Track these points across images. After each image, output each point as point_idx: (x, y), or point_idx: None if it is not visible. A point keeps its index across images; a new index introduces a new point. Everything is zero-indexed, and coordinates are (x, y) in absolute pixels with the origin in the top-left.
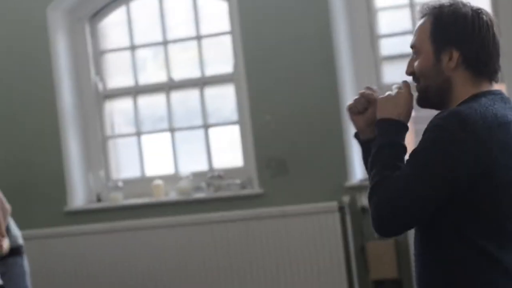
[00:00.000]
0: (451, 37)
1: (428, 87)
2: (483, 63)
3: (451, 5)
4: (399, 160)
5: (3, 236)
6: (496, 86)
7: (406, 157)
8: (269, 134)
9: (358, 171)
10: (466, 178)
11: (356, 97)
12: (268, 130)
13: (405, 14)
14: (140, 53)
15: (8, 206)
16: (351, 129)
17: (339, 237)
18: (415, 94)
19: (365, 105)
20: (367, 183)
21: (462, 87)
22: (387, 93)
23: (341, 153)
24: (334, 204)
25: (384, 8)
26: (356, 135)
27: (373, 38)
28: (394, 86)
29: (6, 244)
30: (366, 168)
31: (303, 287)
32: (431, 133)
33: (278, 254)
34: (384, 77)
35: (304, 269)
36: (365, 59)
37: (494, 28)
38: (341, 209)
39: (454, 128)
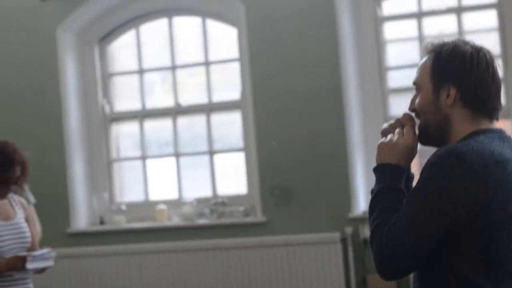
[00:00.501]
0: (449, 75)
1: (428, 123)
2: (481, 101)
3: (452, 43)
4: (398, 203)
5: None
6: (501, 123)
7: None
8: (274, 162)
9: (361, 203)
10: (464, 215)
11: (392, 121)
12: (273, 158)
13: (414, 46)
14: (148, 77)
15: (39, 229)
16: (357, 160)
17: (341, 268)
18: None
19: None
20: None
21: (461, 124)
22: (389, 136)
23: (346, 184)
24: (336, 235)
25: (393, 41)
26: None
27: (381, 70)
28: (396, 131)
29: None
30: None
31: None
32: (428, 171)
33: (280, 283)
34: (391, 109)
35: None
36: (372, 91)
37: (494, 66)
38: (343, 240)
39: (452, 165)
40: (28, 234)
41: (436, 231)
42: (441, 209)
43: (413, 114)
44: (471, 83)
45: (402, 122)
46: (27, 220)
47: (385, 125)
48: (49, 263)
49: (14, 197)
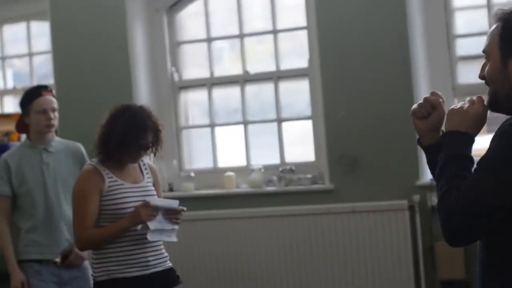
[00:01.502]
0: None
1: (497, 92)
2: None
3: None
4: (466, 170)
5: None
6: None
7: (475, 166)
8: (341, 131)
9: (429, 171)
10: None
11: (420, 101)
12: (341, 126)
13: (482, 14)
14: (216, 45)
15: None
16: None
17: (408, 236)
18: (487, 100)
19: (429, 110)
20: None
21: None
22: (459, 104)
23: (413, 153)
24: (404, 202)
25: (461, 8)
26: (419, 141)
27: (450, 37)
28: (467, 99)
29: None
30: (432, 173)
31: (370, 284)
32: (499, 140)
33: (347, 250)
34: (459, 78)
35: (372, 266)
36: (441, 59)
37: None
38: (411, 207)
39: None
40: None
41: (504, 200)
42: (509, 178)
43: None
44: None
45: (431, 101)
46: (155, 184)
47: (415, 106)
48: (172, 239)
49: (144, 162)
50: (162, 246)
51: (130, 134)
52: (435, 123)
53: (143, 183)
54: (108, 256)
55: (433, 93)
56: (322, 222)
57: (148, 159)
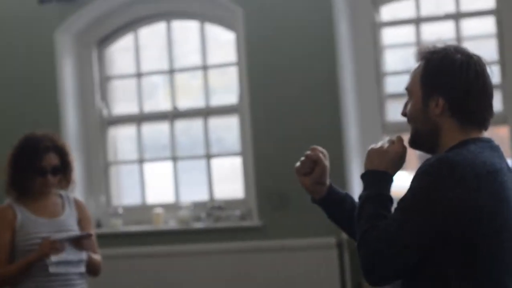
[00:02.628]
0: (438, 84)
1: (418, 130)
2: (470, 111)
3: (443, 50)
4: (386, 210)
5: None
6: (498, 129)
7: (394, 205)
8: (271, 167)
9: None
10: (453, 225)
11: (302, 158)
12: (270, 162)
13: (412, 52)
14: (146, 80)
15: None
16: (353, 165)
17: (337, 273)
18: (408, 138)
19: (311, 165)
20: None
21: (450, 133)
22: (379, 143)
23: (341, 189)
24: (332, 239)
25: (390, 46)
26: (313, 200)
27: (379, 75)
28: (387, 138)
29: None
30: (336, 223)
31: None
32: (419, 180)
33: (276, 287)
34: (388, 114)
35: None
36: (370, 97)
37: (486, 75)
38: (339, 245)
39: (442, 174)
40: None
41: (424, 240)
42: (430, 219)
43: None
44: (460, 93)
45: (311, 158)
46: (81, 220)
47: (298, 164)
48: (80, 269)
49: (69, 196)
50: (79, 286)
51: (23, 158)
52: (319, 177)
53: (62, 217)
54: None
55: (312, 149)
56: (251, 259)
57: (72, 194)
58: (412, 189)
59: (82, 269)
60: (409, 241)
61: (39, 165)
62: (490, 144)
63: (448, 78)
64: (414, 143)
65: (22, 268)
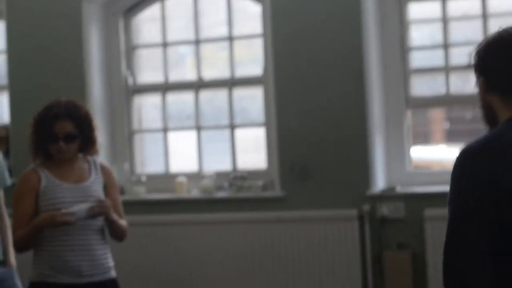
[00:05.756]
0: (477, 64)
1: (481, 111)
2: (505, 86)
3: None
4: None
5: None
6: None
7: None
8: (294, 138)
9: (379, 181)
10: (491, 207)
11: None
12: (293, 134)
13: (437, 27)
14: (172, 50)
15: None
16: (376, 139)
17: (357, 245)
18: None
19: None
20: (388, 193)
21: (499, 111)
22: None
23: (364, 162)
24: (354, 212)
25: (416, 21)
26: None
27: (404, 50)
28: None
29: None
30: None
31: None
32: (452, 176)
33: (295, 258)
34: (412, 89)
35: (320, 275)
36: (394, 71)
37: None
38: (360, 217)
39: (463, 163)
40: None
41: (478, 233)
42: (471, 209)
43: None
44: (495, 68)
45: None
46: (107, 185)
47: None
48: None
49: (96, 162)
50: (104, 256)
51: (38, 124)
52: None
53: (87, 183)
54: (43, 258)
55: None
56: (272, 230)
57: (100, 159)
58: (449, 188)
59: (102, 235)
60: (466, 242)
61: (51, 132)
62: None
63: (484, 55)
64: (485, 124)
65: (32, 228)
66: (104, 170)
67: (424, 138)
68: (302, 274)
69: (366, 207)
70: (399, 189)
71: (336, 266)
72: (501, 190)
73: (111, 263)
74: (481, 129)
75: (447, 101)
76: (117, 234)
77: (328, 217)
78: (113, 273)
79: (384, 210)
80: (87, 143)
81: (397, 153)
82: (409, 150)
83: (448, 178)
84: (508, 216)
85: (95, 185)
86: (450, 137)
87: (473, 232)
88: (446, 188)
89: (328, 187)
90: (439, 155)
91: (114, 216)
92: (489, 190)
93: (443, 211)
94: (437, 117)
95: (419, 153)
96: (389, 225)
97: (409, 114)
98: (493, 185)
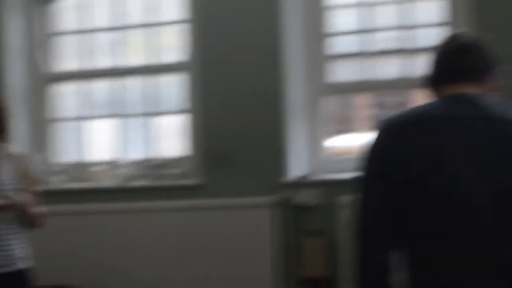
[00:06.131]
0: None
1: None
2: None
3: None
4: None
5: None
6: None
7: None
8: (213, 126)
9: (296, 168)
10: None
11: None
12: (213, 121)
13: (354, 13)
14: (93, 37)
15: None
16: (293, 126)
17: (273, 232)
18: None
19: None
20: (304, 180)
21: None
22: None
23: (281, 149)
24: (270, 199)
25: (335, 6)
26: None
27: (323, 35)
28: None
29: None
30: None
31: (235, 279)
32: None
33: (214, 245)
34: (331, 75)
35: (237, 262)
36: (313, 56)
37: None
38: (277, 204)
39: (376, 132)
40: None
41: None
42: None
43: None
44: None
45: None
46: (22, 173)
47: None
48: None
49: (7, 150)
50: (13, 246)
51: None
52: None
53: None
54: None
55: None
56: (191, 218)
57: (14, 147)
58: None
59: (12, 225)
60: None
61: None
62: (451, 98)
63: None
64: None
65: None
66: (16, 158)
67: (348, 125)
68: (220, 261)
69: (282, 194)
70: (315, 176)
71: (252, 253)
72: (404, 154)
73: (21, 253)
74: None
75: (367, 86)
76: (30, 223)
77: (245, 204)
78: (23, 264)
79: (300, 197)
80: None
81: (314, 140)
82: (326, 137)
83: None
84: (400, 179)
85: (5, 173)
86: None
87: (374, 192)
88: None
89: (246, 174)
90: (361, 141)
91: (27, 206)
92: (387, 158)
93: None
94: (362, 103)
95: (343, 140)
96: (304, 212)
97: (327, 100)
98: (395, 151)
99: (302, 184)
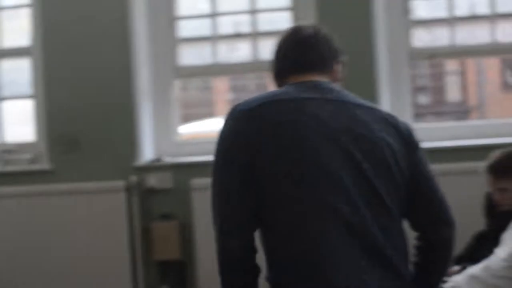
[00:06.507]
0: None
1: None
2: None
3: None
4: None
5: None
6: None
7: None
8: (62, 110)
9: (147, 151)
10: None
11: None
12: (62, 106)
13: None
14: None
15: None
16: (144, 110)
17: (124, 217)
18: None
19: None
20: (155, 163)
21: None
22: None
23: (132, 133)
24: (121, 183)
25: None
26: None
27: (172, 19)
28: None
29: None
30: None
31: (86, 264)
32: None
33: (65, 231)
34: (181, 58)
35: (88, 247)
36: (163, 40)
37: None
38: (128, 188)
39: (226, 118)
40: None
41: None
42: (223, 157)
43: None
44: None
45: None
46: None
47: None
48: None
49: None
50: None
51: None
52: None
53: None
54: None
55: None
56: (41, 203)
57: None
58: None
59: None
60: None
61: None
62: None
63: None
64: None
65: None
66: None
67: (208, 109)
68: (71, 247)
69: (133, 178)
70: (167, 159)
71: (104, 238)
72: (251, 139)
73: None
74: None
75: (216, 70)
76: None
77: (96, 189)
78: None
79: (152, 181)
80: None
81: (166, 124)
82: (177, 120)
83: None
84: (255, 161)
85: None
86: None
87: (227, 175)
88: (212, 157)
89: (96, 159)
90: (215, 125)
91: None
92: (240, 140)
93: (209, 180)
94: (221, 87)
95: (195, 124)
96: (156, 196)
97: (179, 84)
98: (245, 137)
99: (154, 167)
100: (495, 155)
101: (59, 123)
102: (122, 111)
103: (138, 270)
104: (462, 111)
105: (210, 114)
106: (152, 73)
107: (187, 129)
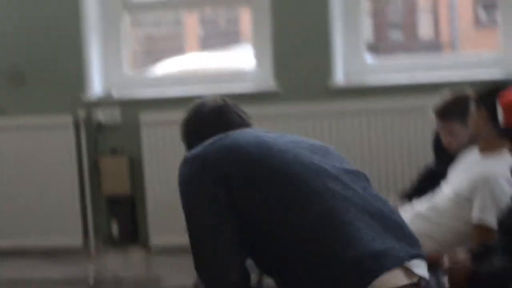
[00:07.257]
0: None
1: None
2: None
3: None
4: None
5: None
6: None
7: None
8: (6, 44)
9: (96, 86)
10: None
11: None
12: (6, 39)
13: None
14: None
15: None
16: (92, 43)
17: (73, 152)
18: None
19: None
20: (104, 98)
21: None
22: None
23: (79, 67)
24: (69, 118)
25: None
26: None
27: None
28: None
29: None
30: None
31: (37, 200)
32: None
33: (13, 166)
34: None
35: (38, 183)
36: None
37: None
38: (76, 123)
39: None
40: None
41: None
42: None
43: None
44: None
45: None
46: None
47: None
48: None
49: None
50: None
51: None
52: None
53: None
54: None
55: None
56: None
57: None
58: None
59: None
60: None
61: None
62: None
63: None
64: None
65: None
66: None
67: (179, 45)
68: (20, 182)
69: (82, 113)
70: (115, 94)
71: (53, 173)
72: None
73: None
74: (234, 32)
75: (168, 4)
76: None
77: (44, 124)
78: None
79: (100, 115)
80: None
81: (116, 58)
82: (127, 55)
83: (166, 82)
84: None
85: None
86: (205, 43)
87: (213, 220)
88: (161, 92)
89: (43, 93)
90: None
91: None
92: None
93: (158, 115)
94: (192, 23)
95: (146, 59)
96: (105, 131)
97: (127, 17)
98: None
99: (102, 102)
100: (443, 96)
101: (3, 57)
102: (70, 45)
103: (87, 205)
104: (434, 47)
105: (181, 49)
106: (100, 5)
107: (137, 62)
